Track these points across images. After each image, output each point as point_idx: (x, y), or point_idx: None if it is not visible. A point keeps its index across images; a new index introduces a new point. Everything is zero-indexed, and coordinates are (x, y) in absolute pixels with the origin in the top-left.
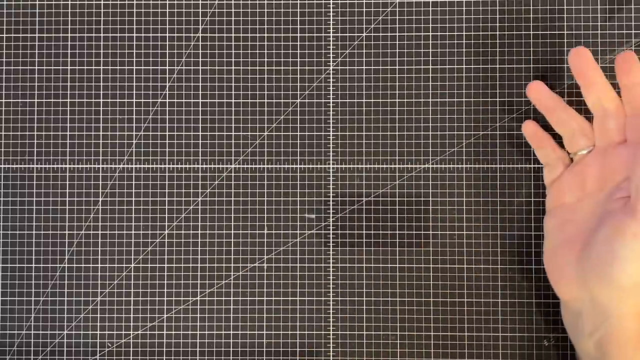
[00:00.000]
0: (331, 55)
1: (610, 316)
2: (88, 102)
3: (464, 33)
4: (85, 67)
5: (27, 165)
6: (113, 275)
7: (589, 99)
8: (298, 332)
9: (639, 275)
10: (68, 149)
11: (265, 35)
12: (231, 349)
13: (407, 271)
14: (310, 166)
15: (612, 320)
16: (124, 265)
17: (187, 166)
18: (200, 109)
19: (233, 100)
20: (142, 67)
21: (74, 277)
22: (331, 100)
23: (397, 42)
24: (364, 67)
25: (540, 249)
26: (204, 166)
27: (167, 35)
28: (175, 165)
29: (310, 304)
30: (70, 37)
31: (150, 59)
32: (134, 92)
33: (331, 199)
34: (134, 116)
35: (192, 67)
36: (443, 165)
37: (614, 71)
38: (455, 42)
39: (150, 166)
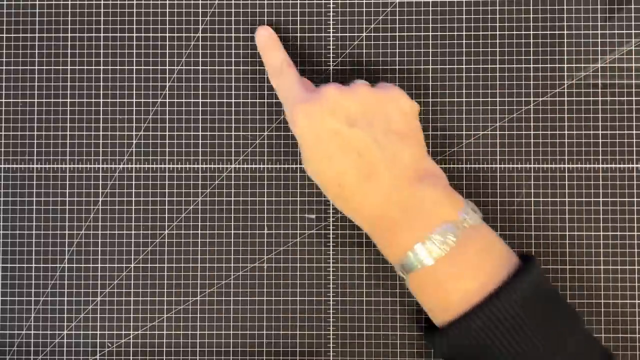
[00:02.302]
0: (331, 55)
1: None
2: (88, 102)
3: (464, 33)
4: (85, 67)
5: (27, 165)
6: (113, 275)
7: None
8: (298, 332)
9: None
10: (68, 149)
11: None
12: (231, 349)
13: None
14: None
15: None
16: (124, 265)
17: (187, 166)
18: (200, 109)
19: (233, 100)
20: (142, 67)
21: (74, 277)
22: None
23: (397, 42)
24: (364, 67)
25: (540, 249)
26: (204, 166)
27: (167, 35)
28: (175, 165)
29: (310, 304)
30: (70, 37)
31: (150, 59)
32: (134, 92)
33: None
34: (134, 116)
35: (192, 67)
36: (442, 165)
37: (614, 71)
38: (455, 42)
39: (150, 166)
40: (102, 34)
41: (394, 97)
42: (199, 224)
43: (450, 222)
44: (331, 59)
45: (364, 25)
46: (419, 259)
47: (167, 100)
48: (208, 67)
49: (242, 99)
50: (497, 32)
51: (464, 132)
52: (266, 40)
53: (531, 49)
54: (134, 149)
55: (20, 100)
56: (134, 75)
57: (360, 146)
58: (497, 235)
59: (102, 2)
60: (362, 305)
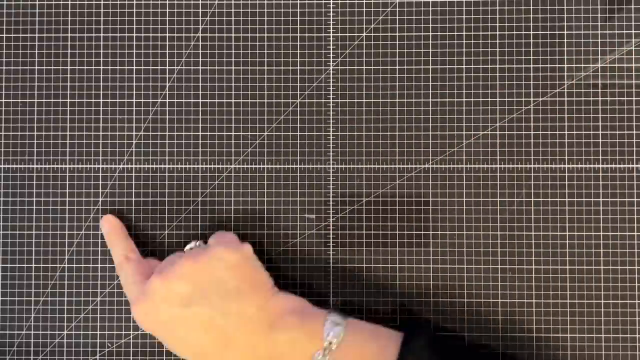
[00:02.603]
0: (331, 55)
1: None
2: (88, 102)
3: (464, 33)
4: (85, 67)
5: (27, 165)
6: (113, 276)
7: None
8: None
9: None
10: (68, 149)
11: (265, 35)
12: None
13: (407, 271)
14: (310, 166)
15: None
16: None
17: (187, 166)
18: (200, 109)
19: (233, 100)
20: (142, 67)
21: (74, 277)
22: (331, 100)
23: (397, 42)
24: (364, 67)
25: (540, 249)
26: (204, 166)
27: (167, 35)
28: (175, 165)
29: None
30: (70, 37)
31: (150, 59)
32: (134, 92)
33: (331, 199)
34: (134, 116)
35: (192, 67)
36: (443, 165)
37: (614, 71)
38: (455, 42)
39: (150, 166)
40: (102, 34)
41: (217, 257)
42: (199, 224)
43: (316, 353)
44: (331, 59)
45: (364, 25)
46: None
47: (167, 100)
48: (208, 67)
49: (242, 99)
50: (497, 32)
51: (464, 132)
52: (108, 231)
53: (531, 49)
54: (134, 149)
55: (20, 100)
56: (134, 75)
57: (203, 322)
58: (367, 329)
59: (102, 2)
60: (362, 305)
